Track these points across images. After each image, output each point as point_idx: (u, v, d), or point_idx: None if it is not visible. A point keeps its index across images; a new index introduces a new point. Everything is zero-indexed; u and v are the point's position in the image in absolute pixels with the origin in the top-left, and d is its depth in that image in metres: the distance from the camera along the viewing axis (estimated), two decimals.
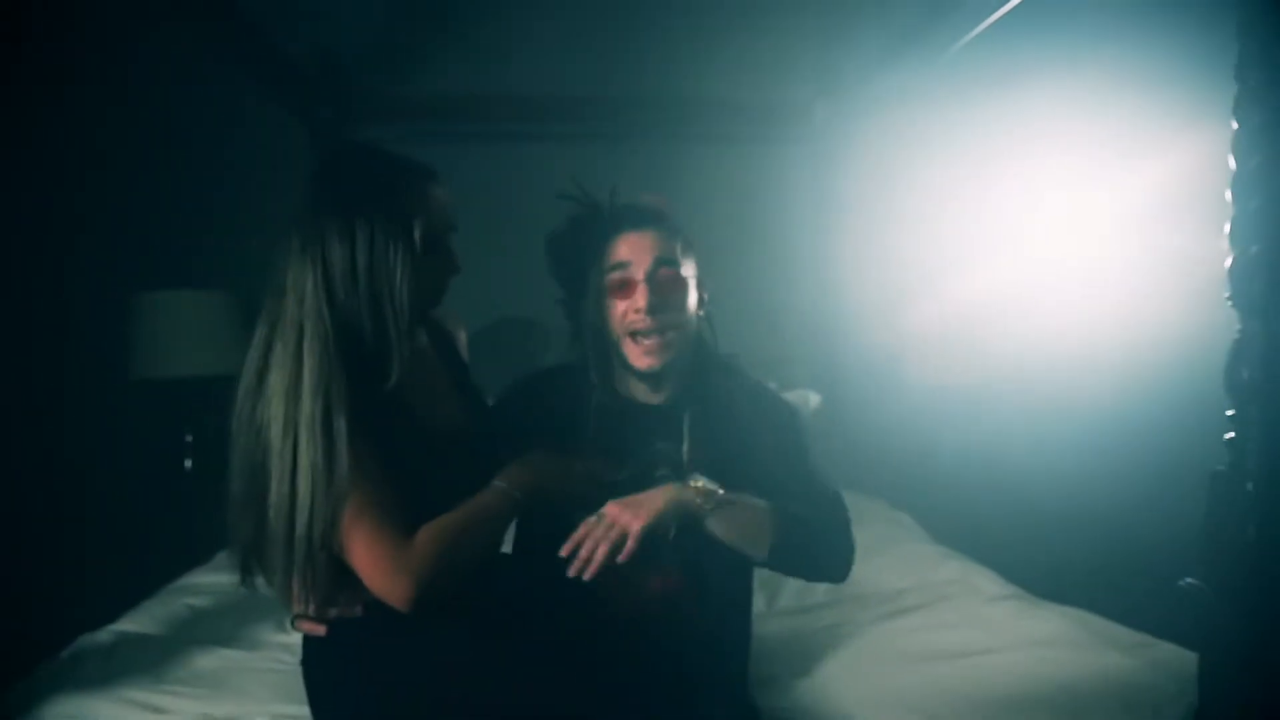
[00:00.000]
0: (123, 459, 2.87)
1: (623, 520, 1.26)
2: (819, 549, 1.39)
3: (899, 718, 1.35)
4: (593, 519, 1.29)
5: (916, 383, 3.14)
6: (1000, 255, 2.72)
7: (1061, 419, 2.40)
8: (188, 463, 3.01)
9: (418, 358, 1.33)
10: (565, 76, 3.21)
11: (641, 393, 1.45)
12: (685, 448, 1.38)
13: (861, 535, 2.30)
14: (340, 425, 1.19)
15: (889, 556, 2.19)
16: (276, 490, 1.19)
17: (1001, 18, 2.17)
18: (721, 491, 1.32)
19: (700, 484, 1.32)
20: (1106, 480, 2.19)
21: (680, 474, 1.38)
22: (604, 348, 1.42)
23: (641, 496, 1.30)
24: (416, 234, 1.26)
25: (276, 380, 1.21)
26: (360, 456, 1.20)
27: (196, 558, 2.33)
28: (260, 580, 1.28)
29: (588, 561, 1.24)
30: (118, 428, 2.90)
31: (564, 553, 1.26)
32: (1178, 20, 1.56)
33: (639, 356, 1.38)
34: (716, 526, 1.33)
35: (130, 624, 1.74)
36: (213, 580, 2.07)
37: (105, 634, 1.67)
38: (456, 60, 3.22)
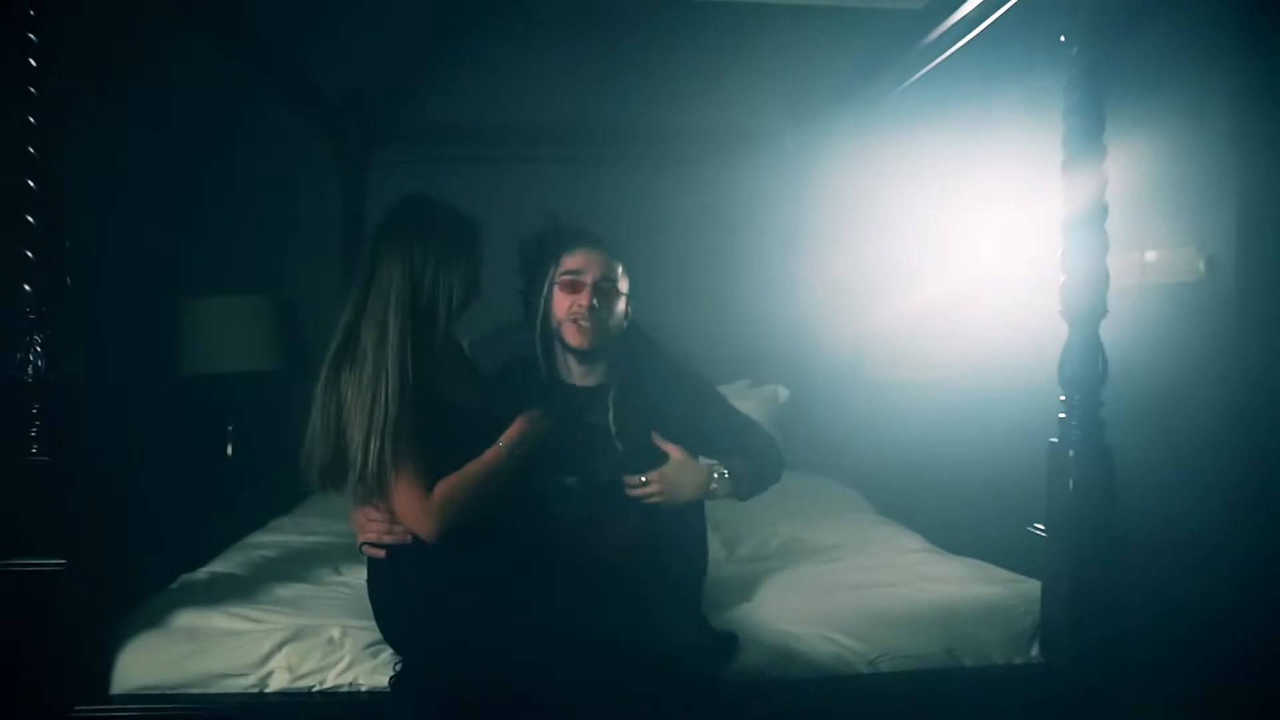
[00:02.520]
0: (171, 447, 3.17)
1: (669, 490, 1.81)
2: (770, 473, 1.93)
3: (813, 625, 1.78)
4: (655, 474, 1.80)
5: (872, 378, 3.51)
6: (940, 267, 3.13)
7: (974, 408, 2.82)
8: (229, 450, 3.33)
9: (442, 355, 1.76)
10: (568, 107, 3.55)
11: (578, 376, 1.89)
12: (611, 417, 1.84)
13: (813, 507, 2.75)
14: (409, 368, 1.64)
15: (833, 522, 2.60)
16: (370, 411, 1.61)
17: (937, 67, 2.61)
18: (726, 473, 1.82)
19: (715, 472, 1.82)
20: (1013, 453, 2.58)
21: (608, 437, 1.83)
22: (549, 332, 1.86)
23: (686, 479, 1.81)
24: (475, 253, 1.76)
25: (367, 335, 1.66)
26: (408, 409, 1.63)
27: (240, 529, 2.59)
28: (331, 488, 1.71)
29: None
30: (165, 420, 3.22)
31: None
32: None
33: (574, 335, 1.82)
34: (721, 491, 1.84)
35: (220, 566, 2.14)
36: (272, 539, 2.45)
37: (202, 573, 2.07)
38: (463, 94, 3.56)
